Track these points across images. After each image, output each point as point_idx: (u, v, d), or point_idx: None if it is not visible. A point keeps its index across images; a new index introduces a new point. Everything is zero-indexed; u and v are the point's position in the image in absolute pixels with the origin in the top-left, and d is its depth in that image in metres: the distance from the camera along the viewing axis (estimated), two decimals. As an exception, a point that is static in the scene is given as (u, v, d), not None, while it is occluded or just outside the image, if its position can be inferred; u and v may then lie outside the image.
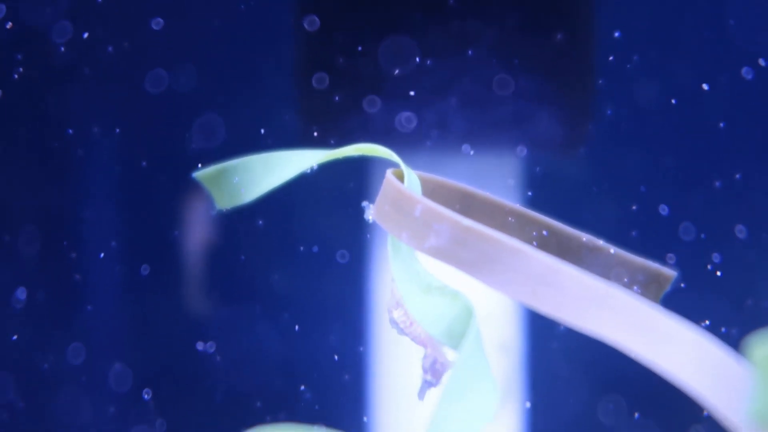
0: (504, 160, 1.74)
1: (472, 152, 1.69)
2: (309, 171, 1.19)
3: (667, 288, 1.20)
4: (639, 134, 1.69)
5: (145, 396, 1.69)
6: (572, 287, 0.93)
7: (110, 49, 1.68)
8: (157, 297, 1.74)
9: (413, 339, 1.03)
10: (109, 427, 1.70)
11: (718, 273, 1.50)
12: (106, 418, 1.70)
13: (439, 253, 1.01)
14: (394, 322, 1.03)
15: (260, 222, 1.69)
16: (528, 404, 1.75)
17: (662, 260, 1.23)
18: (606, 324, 0.90)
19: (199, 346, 1.67)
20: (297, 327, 1.71)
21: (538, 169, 1.73)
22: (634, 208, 1.58)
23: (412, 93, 1.65)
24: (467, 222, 0.99)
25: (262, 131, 1.59)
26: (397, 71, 1.60)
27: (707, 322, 1.39)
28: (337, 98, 1.61)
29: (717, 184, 1.51)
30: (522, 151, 1.74)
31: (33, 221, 1.71)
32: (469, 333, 0.93)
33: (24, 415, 1.68)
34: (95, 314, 1.72)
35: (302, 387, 1.68)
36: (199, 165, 1.23)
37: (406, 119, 1.66)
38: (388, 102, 1.64)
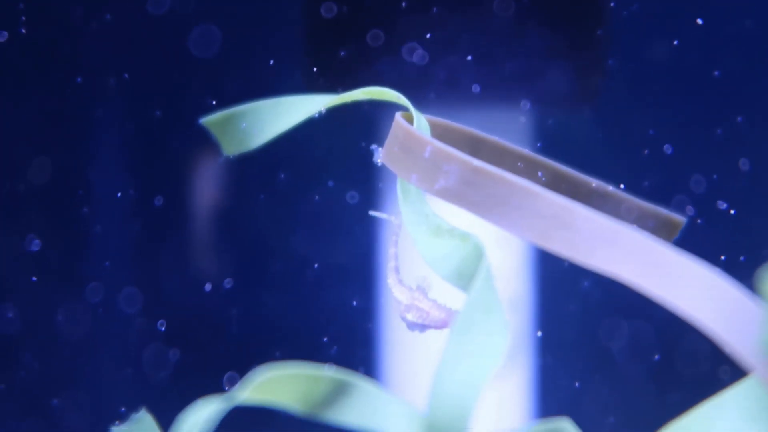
0: (513, 114, 1.73)
1: (481, 106, 1.68)
2: (317, 115, 1.18)
3: (677, 234, 1.19)
4: (648, 87, 1.67)
5: (161, 327, 1.69)
6: (584, 227, 0.92)
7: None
8: (170, 250, 1.73)
9: (436, 326, 1.02)
10: (121, 351, 1.70)
11: (732, 212, 1.50)
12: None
13: (448, 195, 1.00)
14: (413, 325, 1.02)
15: (271, 172, 1.68)
16: (539, 333, 1.74)
17: (675, 209, 1.22)
18: (618, 263, 0.90)
19: (212, 293, 1.67)
20: (312, 277, 1.71)
21: (548, 122, 1.72)
22: (645, 152, 1.57)
23: (420, 47, 1.63)
24: (477, 163, 0.98)
25: (271, 79, 1.59)
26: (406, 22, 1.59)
27: (723, 258, 1.38)
28: (343, 53, 1.60)
29: (719, 131, 1.50)
30: (530, 105, 1.72)
31: (44, 173, 1.70)
32: (480, 272, 0.92)
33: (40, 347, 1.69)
34: (109, 268, 1.72)
35: (324, 338, 1.68)
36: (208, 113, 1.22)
37: (415, 71, 1.65)
38: (397, 55, 1.62)
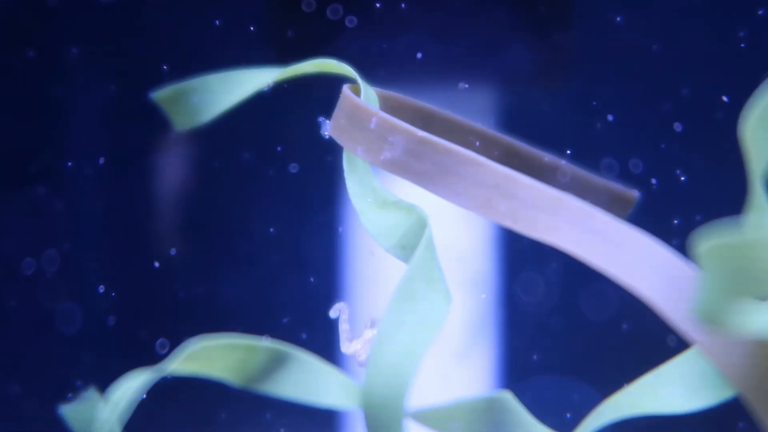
0: (474, 91, 1.71)
1: (448, 85, 1.66)
2: (266, 89, 1.17)
3: (630, 209, 1.18)
4: (610, 63, 1.66)
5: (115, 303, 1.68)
6: (527, 196, 0.91)
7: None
8: (131, 228, 1.72)
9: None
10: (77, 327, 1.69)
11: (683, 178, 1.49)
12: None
13: (394, 166, 0.99)
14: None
15: (230, 150, 1.67)
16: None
17: (631, 185, 1.21)
18: (560, 232, 0.89)
19: (171, 271, 1.66)
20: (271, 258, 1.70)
21: (508, 99, 1.71)
22: (600, 127, 1.56)
23: (380, 21, 1.62)
24: (422, 134, 0.97)
25: (230, 53, 1.57)
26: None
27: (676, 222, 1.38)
28: (302, 27, 1.59)
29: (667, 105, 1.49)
30: (490, 81, 1.71)
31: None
32: (422, 242, 0.91)
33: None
34: (70, 246, 1.70)
35: (284, 319, 1.67)
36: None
37: (377, 49, 1.64)
38: (360, 32, 1.61)
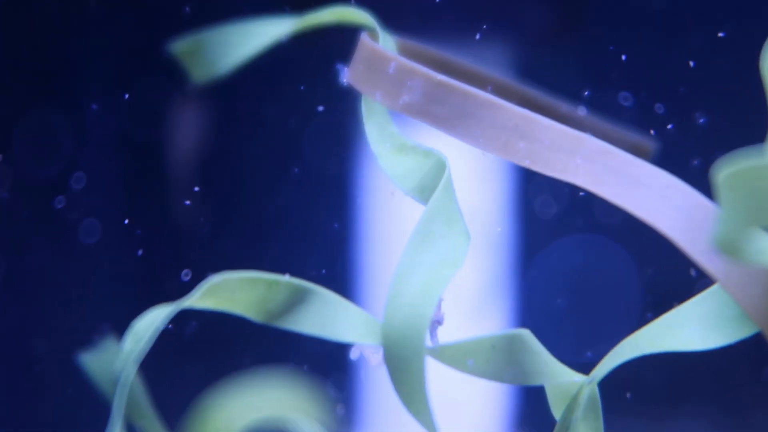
0: (490, 48, 1.71)
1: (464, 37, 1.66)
2: (283, 39, 1.17)
3: (648, 159, 1.18)
4: (627, 20, 1.66)
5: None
6: (545, 136, 0.91)
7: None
8: (149, 187, 1.73)
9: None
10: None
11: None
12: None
13: (413, 110, 0.99)
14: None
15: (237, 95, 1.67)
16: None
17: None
18: (579, 170, 0.89)
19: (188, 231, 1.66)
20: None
21: (524, 56, 1.71)
22: (614, 78, 1.56)
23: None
24: (440, 77, 0.97)
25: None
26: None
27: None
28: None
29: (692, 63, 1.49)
30: (507, 38, 1.71)
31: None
32: (441, 183, 0.91)
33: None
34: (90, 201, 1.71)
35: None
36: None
37: (392, 4, 1.63)
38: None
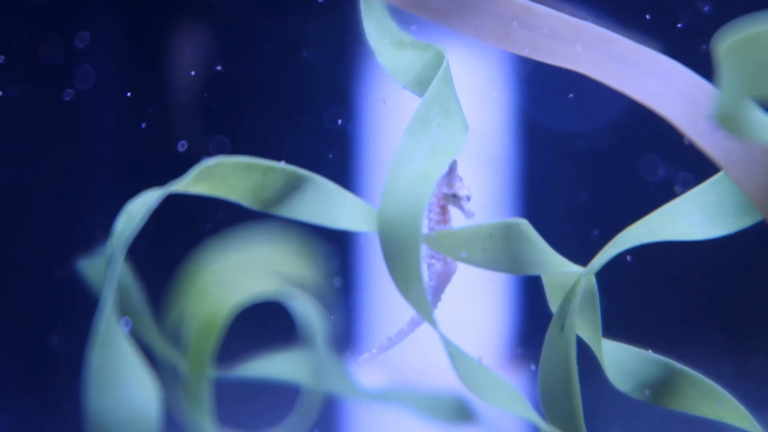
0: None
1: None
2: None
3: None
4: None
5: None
6: (545, 25, 0.90)
7: None
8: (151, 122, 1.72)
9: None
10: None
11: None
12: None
13: (412, 4, 0.97)
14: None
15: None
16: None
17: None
18: (579, 57, 0.87)
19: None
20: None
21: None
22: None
23: None
24: (440, -31, 0.95)
25: None
26: None
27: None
28: None
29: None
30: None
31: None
32: (439, 74, 0.90)
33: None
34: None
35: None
36: None
37: None
38: None
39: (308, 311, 0.96)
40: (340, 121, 1.64)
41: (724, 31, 0.68)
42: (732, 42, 0.66)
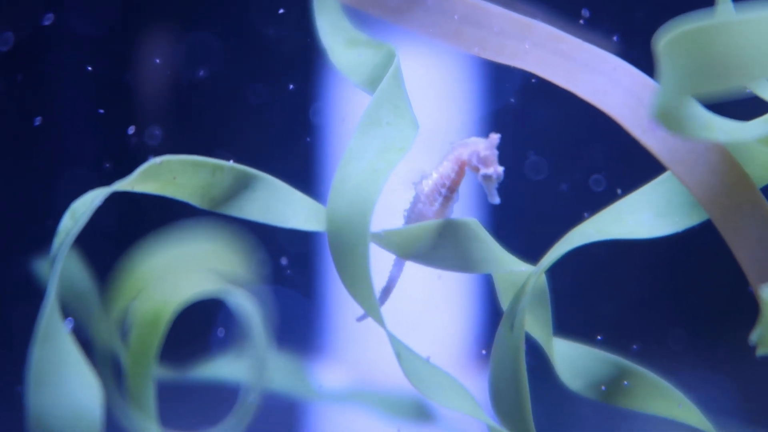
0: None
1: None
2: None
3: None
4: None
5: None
6: (494, 23, 0.90)
7: None
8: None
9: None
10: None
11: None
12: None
13: (364, 2, 0.98)
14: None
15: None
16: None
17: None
18: (527, 55, 0.88)
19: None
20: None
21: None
22: None
23: None
24: (391, -33, 0.96)
25: None
26: None
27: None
28: None
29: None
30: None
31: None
32: (390, 72, 0.90)
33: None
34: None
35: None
36: None
37: None
38: None
39: (248, 309, 0.96)
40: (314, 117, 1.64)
41: (665, 27, 0.68)
42: (671, 38, 0.66)
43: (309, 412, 1.76)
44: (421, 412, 1.36)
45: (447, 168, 0.89)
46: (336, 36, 1.01)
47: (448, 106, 1.80)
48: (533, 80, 0.90)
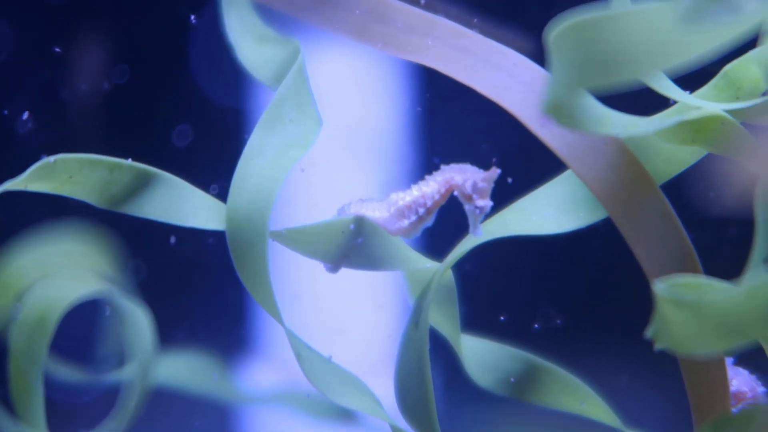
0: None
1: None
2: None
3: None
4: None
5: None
6: (399, 19, 0.89)
7: None
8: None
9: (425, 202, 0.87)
10: None
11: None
12: None
13: (274, 0, 0.97)
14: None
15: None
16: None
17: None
18: (429, 51, 0.87)
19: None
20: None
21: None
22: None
23: None
24: (298, -36, 0.95)
25: None
26: None
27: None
28: None
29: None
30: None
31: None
32: (293, 68, 0.89)
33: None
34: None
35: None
36: None
37: None
38: None
39: (130, 309, 0.94)
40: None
41: (555, 20, 0.68)
42: (561, 30, 0.66)
43: (239, 415, 1.74)
44: (345, 413, 1.36)
45: (433, 188, 0.86)
46: (245, 33, 1.00)
47: (375, 104, 1.79)
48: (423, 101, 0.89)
